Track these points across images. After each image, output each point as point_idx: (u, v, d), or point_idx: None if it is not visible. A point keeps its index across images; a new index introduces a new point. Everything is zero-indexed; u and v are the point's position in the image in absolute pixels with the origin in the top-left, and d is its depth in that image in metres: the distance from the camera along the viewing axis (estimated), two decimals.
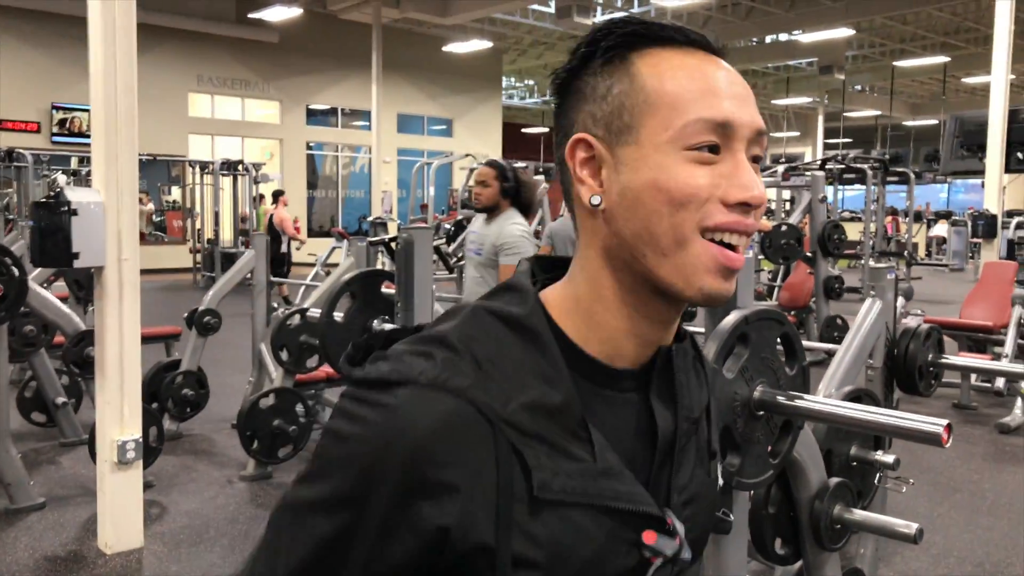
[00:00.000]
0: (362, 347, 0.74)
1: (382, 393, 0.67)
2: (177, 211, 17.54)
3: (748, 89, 0.72)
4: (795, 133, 30.26)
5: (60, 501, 4.01)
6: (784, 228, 7.90)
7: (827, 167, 11.48)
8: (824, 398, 1.63)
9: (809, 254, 7.88)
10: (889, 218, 16.26)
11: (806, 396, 1.65)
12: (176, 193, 17.85)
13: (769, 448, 1.72)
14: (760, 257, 8.54)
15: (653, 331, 0.74)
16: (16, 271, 3.64)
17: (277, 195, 12.31)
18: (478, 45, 18.04)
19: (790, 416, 1.67)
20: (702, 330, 1.92)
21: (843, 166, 12.20)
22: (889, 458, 2.47)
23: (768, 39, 20.72)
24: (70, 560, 3.39)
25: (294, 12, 15.52)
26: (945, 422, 1.46)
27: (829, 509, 2.08)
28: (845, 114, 25.28)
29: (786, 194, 14.63)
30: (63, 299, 5.28)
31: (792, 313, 8.50)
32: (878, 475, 2.51)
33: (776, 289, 9.42)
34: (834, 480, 2.12)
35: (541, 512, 0.67)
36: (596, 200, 0.72)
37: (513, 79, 26.79)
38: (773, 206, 15.41)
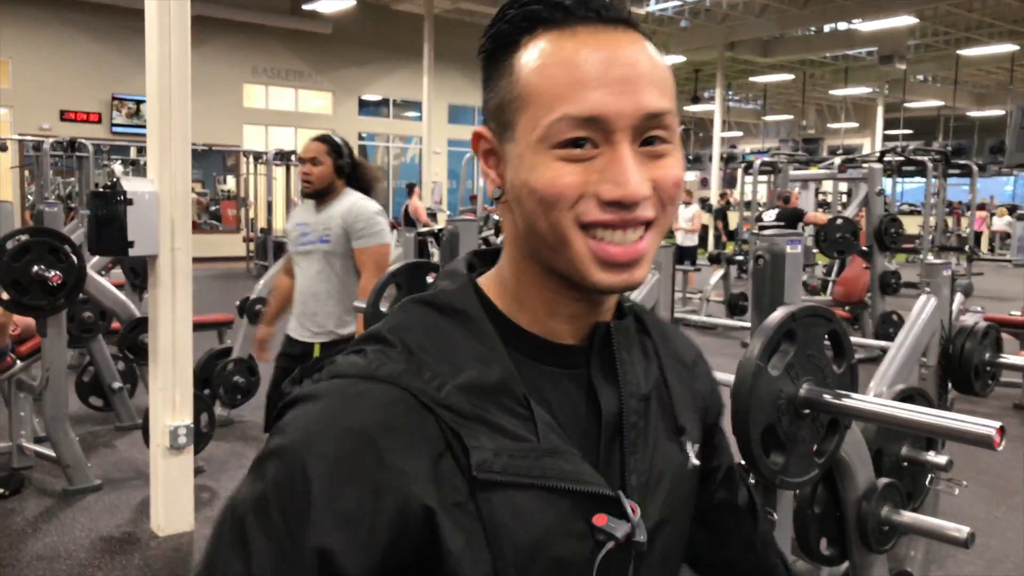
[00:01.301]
0: (309, 368, 0.71)
1: (303, 390, 0.67)
2: (232, 200, 17.85)
3: (638, 66, 0.66)
4: (854, 124, 29.62)
5: (115, 483, 4.12)
6: (839, 221, 7.75)
7: (885, 159, 11.23)
8: (872, 397, 1.59)
9: (865, 248, 7.73)
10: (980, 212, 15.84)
11: (853, 395, 1.61)
12: (231, 183, 18.15)
13: (815, 447, 1.69)
14: (815, 251, 8.41)
15: (580, 310, 0.72)
16: (75, 259, 3.74)
17: (411, 187, 13.09)
18: None
19: (836, 415, 1.63)
20: (747, 324, 1.89)
21: (902, 158, 11.90)
22: (942, 459, 2.40)
23: (827, 28, 20.28)
24: (124, 541, 3.48)
25: (347, 3, 15.63)
26: (998, 424, 1.41)
27: (877, 510, 2.03)
28: (906, 105, 24.67)
29: (843, 186, 14.34)
30: (119, 286, 5.41)
31: (847, 308, 8.35)
32: (930, 476, 2.45)
33: (831, 283, 9.26)
34: (883, 481, 2.07)
35: (483, 493, 0.64)
36: (497, 193, 0.72)
37: None
38: (829, 199, 15.14)
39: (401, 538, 0.62)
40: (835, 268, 9.33)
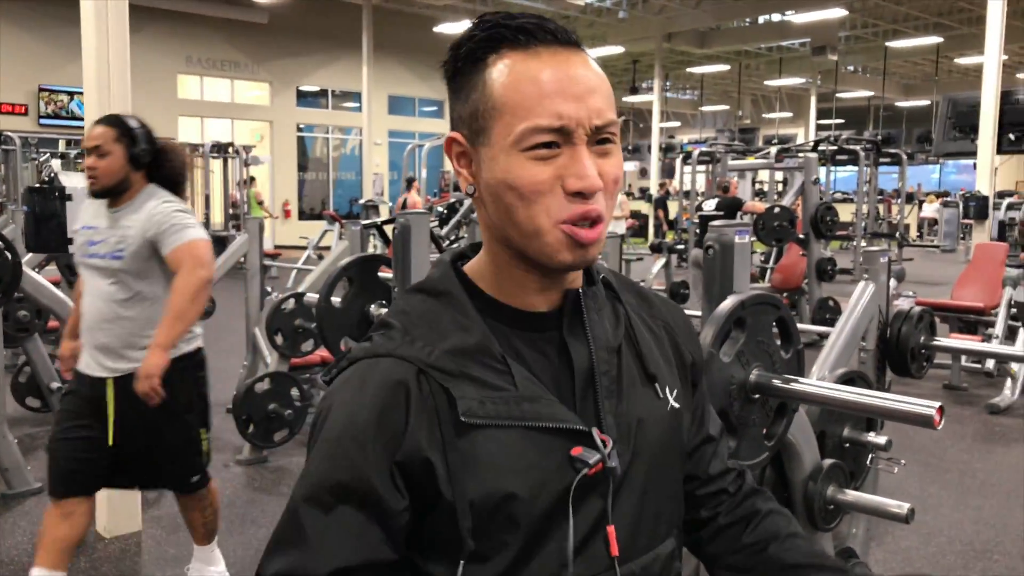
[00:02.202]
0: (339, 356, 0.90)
1: (339, 378, 0.84)
2: None
3: (590, 81, 0.80)
4: (788, 114, 30.24)
5: None
6: (777, 210, 7.92)
7: (820, 149, 11.50)
8: (818, 381, 1.65)
9: (802, 236, 7.92)
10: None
11: (801, 379, 1.67)
12: None
13: (764, 431, 1.74)
14: (753, 239, 8.60)
15: (548, 283, 0.86)
16: (9, 255, 3.63)
17: (410, 181, 13.00)
18: (469, 25, 17.94)
19: (785, 399, 1.69)
20: (698, 313, 1.94)
21: (836, 147, 12.22)
22: (881, 439, 2.49)
23: (761, 19, 20.67)
24: None
25: None
26: (937, 404, 1.48)
27: (823, 490, 2.11)
28: (838, 95, 25.26)
29: (779, 175, 14.65)
30: (55, 283, 5.26)
31: (785, 295, 8.55)
32: (871, 456, 2.54)
33: (769, 271, 9.47)
34: (828, 461, 2.14)
35: (470, 434, 0.79)
36: (471, 190, 0.84)
37: None
38: (766, 188, 15.45)
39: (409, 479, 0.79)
40: (773, 256, 9.53)
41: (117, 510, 3.46)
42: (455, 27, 17.93)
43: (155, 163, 2.62)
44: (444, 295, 0.85)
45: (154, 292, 2.56)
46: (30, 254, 5.39)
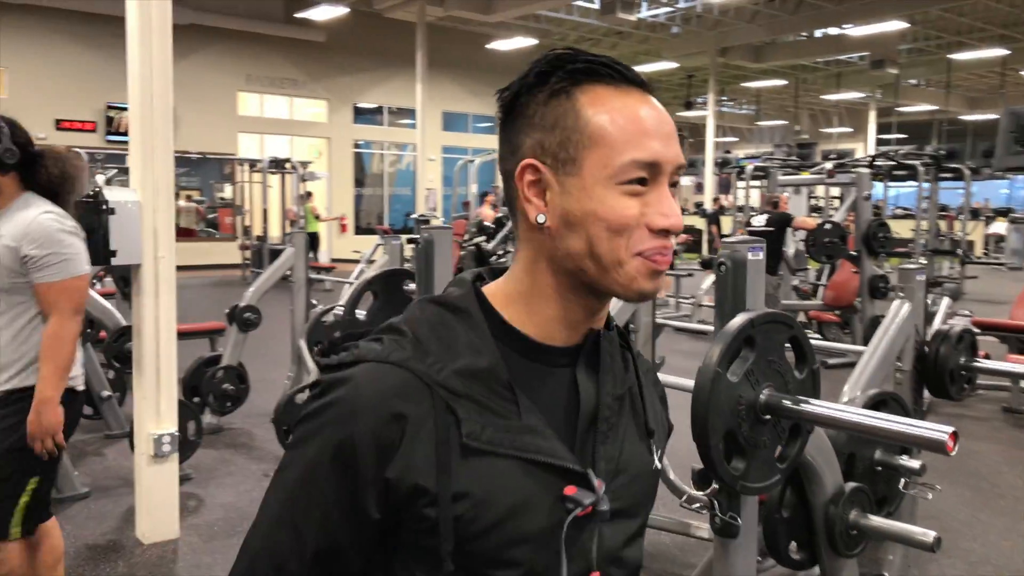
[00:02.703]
0: (335, 343, 0.88)
1: (342, 373, 0.81)
2: (228, 208, 17.86)
3: (672, 127, 0.84)
4: (847, 129, 29.70)
5: (103, 491, 4.13)
6: (828, 226, 7.78)
7: (876, 163, 11.25)
8: (830, 403, 1.61)
9: (854, 252, 7.75)
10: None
11: (812, 401, 1.63)
12: (229, 191, 18.17)
13: (777, 453, 1.71)
14: (805, 255, 8.43)
15: (583, 319, 0.86)
16: None
17: (484, 195, 12.96)
18: (522, 42, 18.04)
19: (796, 420, 1.65)
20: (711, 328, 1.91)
21: (893, 163, 11.95)
22: (915, 463, 2.43)
23: (818, 33, 20.35)
24: (109, 549, 3.49)
25: (340, 11, 15.68)
26: (950, 429, 1.43)
27: (844, 514, 2.06)
28: (899, 109, 24.73)
29: (836, 191, 14.36)
30: (110, 295, 5.43)
31: (837, 312, 8.37)
32: (904, 480, 2.46)
33: (821, 288, 9.28)
34: (850, 485, 2.09)
35: (471, 458, 0.79)
36: (542, 219, 0.83)
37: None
38: (821, 203, 15.17)
39: (389, 503, 0.79)
40: (826, 272, 9.34)
41: (156, 516, 3.54)
42: (508, 44, 18.07)
43: (30, 168, 2.36)
44: (461, 312, 0.85)
45: (19, 310, 2.32)
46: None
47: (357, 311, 3.46)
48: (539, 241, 0.84)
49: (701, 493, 1.77)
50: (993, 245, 20.11)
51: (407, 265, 4.57)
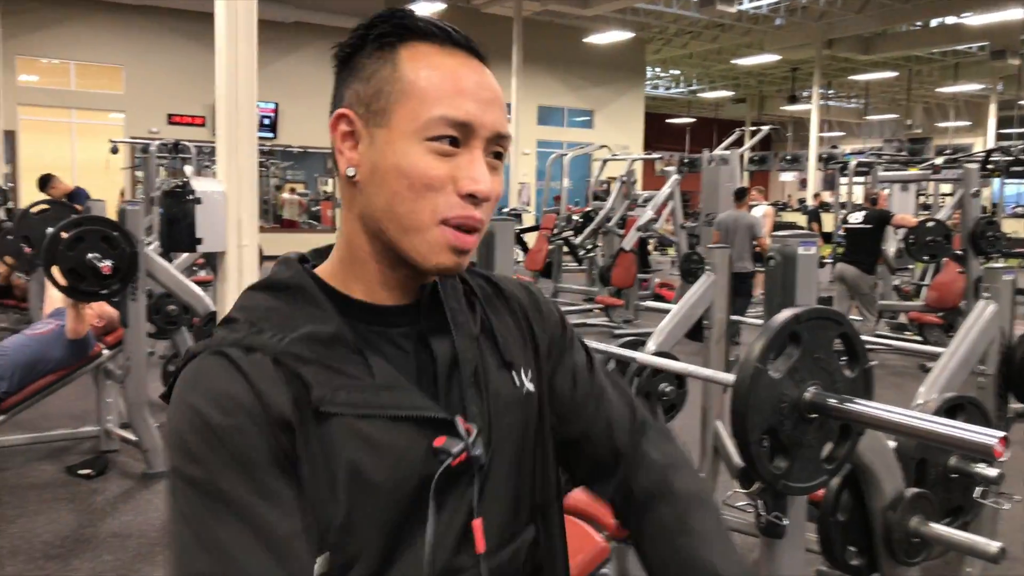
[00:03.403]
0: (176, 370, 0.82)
1: (179, 378, 0.77)
2: (329, 201, 18.37)
3: (497, 94, 0.82)
4: (964, 123, 28.30)
5: None
6: (930, 224, 7.45)
7: (992, 159, 10.69)
8: (875, 403, 1.55)
9: (959, 252, 7.40)
10: None
11: (859, 400, 1.58)
12: (332, 184, 18.67)
13: (824, 453, 1.66)
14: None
15: (409, 279, 0.84)
16: (128, 247, 3.95)
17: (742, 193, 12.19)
18: (619, 36, 17.89)
19: (841, 420, 1.60)
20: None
21: (1011, 158, 11.33)
22: (992, 472, 2.31)
23: (933, 23, 19.44)
24: None
25: (438, 7, 15.89)
26: (1001, 434, 1.36)
27: (904, 521, 1.98)
28: (1022, 102, 23.39)
29: (947, 188, 13.71)
30: (206, 283, 5.68)
31: (940, 314, 8.00)
32: (980, 489, 2.35)
33: (924, 288, 8.89)
34: (911, 491, 2.01)
35: (326, 423, 0.75)
36: (351, 172, 0.81)
37: (658, 69, 26.38)
38: (929, 200, 14.52)
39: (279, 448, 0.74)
40: (929, 272, 8.95)
41: None
42: (605, 38, 17.96)
43: None
44: (293, 290, 0.81)
45: None
46: (184, 255, 5.85)
47: None
48: (351, 196, 0.82)
49: (745, 491, 1.74)
50: None
51: None
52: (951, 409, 2.43)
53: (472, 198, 0.78)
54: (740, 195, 8.00)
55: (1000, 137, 25.80)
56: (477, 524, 0.81)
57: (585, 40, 18.48)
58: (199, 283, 5.50)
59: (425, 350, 0.84)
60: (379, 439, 0.76)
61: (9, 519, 3.62)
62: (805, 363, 1.60)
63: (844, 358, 1.67)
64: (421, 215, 0.78)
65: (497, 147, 0.81)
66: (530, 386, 0.90)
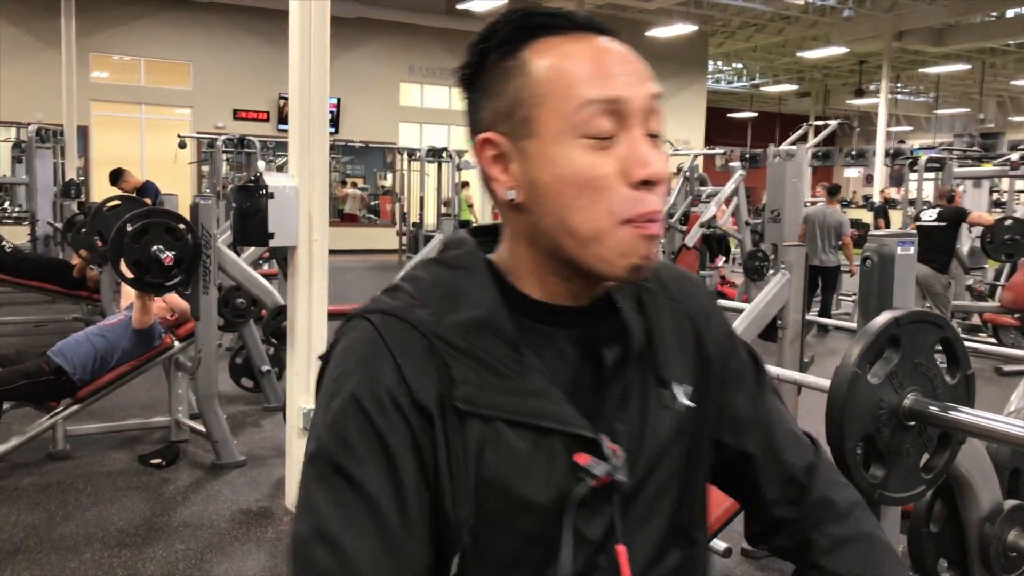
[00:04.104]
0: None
1: (347, 331, 0.77)
2: (389, 196, 18.51)
3: (638, 63, 0.74)
4: None
5: (258, 460, 4.38)
6: (1008, 222, 7.20)
7: None
8: (983, 411, 1.48)
9: None
10: None
11: (963, 408, 1.50)
12: (391, 179, 18.82)
13: (922, 462, 1.59)
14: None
15: (584, 288, 0.78)
16: (190, 239, 4.01)
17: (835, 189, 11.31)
18: (682, 29, 17.66)
19: (944, 428, 1.53)
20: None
21: None
22: None
23: (1010, 13, 18.76)
24: (260, 515, 3.70)
25: (500, 1, 15.88)
26: None
27: (1002, 534, 1.89)
28: None
29: (1021, 185, 13.24)
30: (272, 276, 5.75)
31: (1016, 316, 7.73)
32: None
33: (999, 289, 8.60)
34: (1011, 503, 1.92)
35: (469, 423, 0.71)
36: (511, 195, 0.75)
37: (720, 62, 26.00)
38: (1003, 197, 14.03)
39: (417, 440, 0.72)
40: (1005, 272, 8.65)
41: None
42: (668, 31, 17.74)
43: None
44: (463, 270, 0.77)
45: None
46: (251, 249, 5.93)
47: None
48: (515, 220, 0.77)
49: None
50: None
51: None
52: None
53: (646, 184, 0.71)
54: (833, 192, 8.08)
55: None
56: (621, 550, 0.75)
57: (647, 34, 18.29)
58: (264, 277, 5.57)
59: (587, 358, 0.78)
60: (517, 447, 0.71)
61: (85, 506, 3.71)
62: (904, 368, 1.53)
63: (943, 363, 1.60)
64: (599, 220, 0.71)
65: (652, 122, 0.73)
66: (688, 402, 0.82)
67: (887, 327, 1.50)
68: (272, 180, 3.43)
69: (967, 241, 8.13)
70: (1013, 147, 17.33)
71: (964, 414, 1.49)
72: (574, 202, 0.71)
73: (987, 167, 10.37)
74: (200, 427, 4.38)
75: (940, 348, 1.59)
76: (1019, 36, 20.00)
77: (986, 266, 9.24)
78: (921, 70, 24.06)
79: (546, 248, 0.75)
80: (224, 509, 3.75)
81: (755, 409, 0.91)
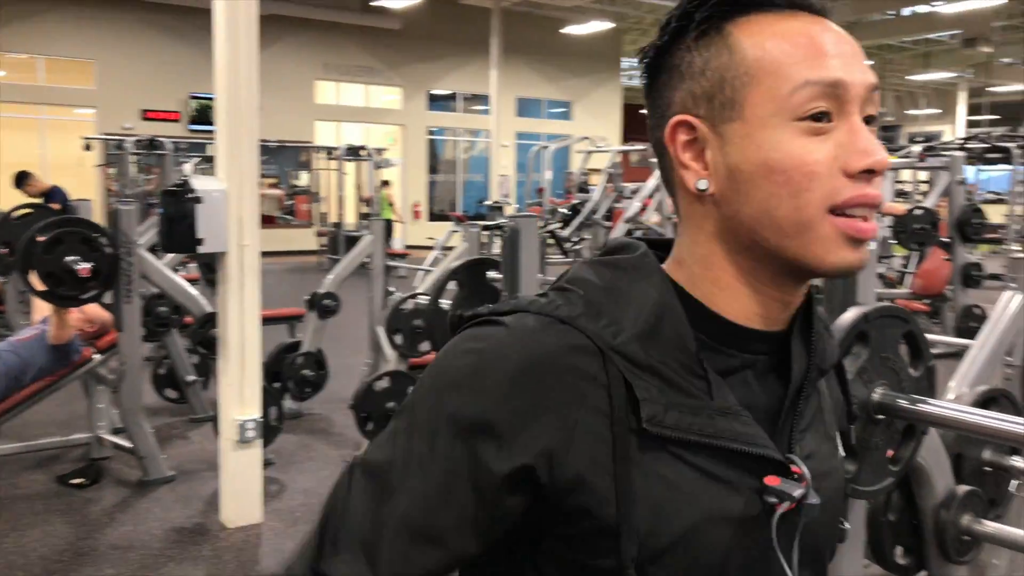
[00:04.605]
0: (468, 315, 0.73)
1: (492, 324, 0.68)
2: (305, 195, 18.17)
3: (856, 46, 0.67)
4: (935, 111, 28.59)
5: (188, 475, 4.22)
6: (918, 212, 7.48)
7: (968, 146, 10.80)
8: (952, 403, 1.50)
9: (946, 239, 7.44)
10: None
11: (931, 400, 1.53)
12: (305, 178, 18.47)
13: (890, 454, 1.61)
14: (892, 242, 8.12)
15: (777, 307, 0.71)
16: (109, 249, 3.82)
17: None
18: (597, 26, 17.84)
19: (913, 421, 1.55)
20: None
21: (986, 145, 11.48)
22: None
23: (906, 11, 19.58)
24: (195, 532, 3.56)
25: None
26: None
27: (956, 519, 1.93)
28: (991, 89, 23.69)
29: (922, 175, 13.83)
30: (193, 281, 5.54)
31: (925, 302, 8.05)
32: (1015, 482, 2.32)
33: (909, 276, 8.95)
34: (963, 488, 1.97)
35: (652, 448, 0.64)
36: (703, 184, 0.68)
37: (634, 60, 26.36)
38: (908, 188, 14.63)
39: (537, 488, 0.65)
40: (914, 260, 9.01)
41: (240, 501, 3.59)
42: (583, 28, 17.89)
43: None
44: (640, 273, 0.69)
45: None
46: (170, 255, 5.70)
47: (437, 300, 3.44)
48: (703, 214, 0.69)
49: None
50: None
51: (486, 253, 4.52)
52: (986, 402, 2.39)
53: (868, 173, 0.64)
54: None
55: (970, 124, 26.11)
56: None
57: (563, 31, 18.41)
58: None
59: (769, 383, 0.71)
60: (700, 467, 0.65)
61: (2, 533, 3.50)
62: (872, 363, 1.54)
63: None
64: (807, 210, 0.64)
65: (870, 107, 0.67)
66: (841, 452, 0.80)
67: (857, 323, 1.51)
68: (200, 184, 3.30)
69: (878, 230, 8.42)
70: (912, 139, 18.09)
71: (932, 406, 1.51)
72: (780, 191, 0.65)
73: (893, 159, 10.77)
74: (124, 443, 4.19)
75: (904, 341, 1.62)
76: (915, 33, 20.90)
77: (894, 254, 9.60)
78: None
79: (743, 244, 0.68)
80: (155, 528, 3.59)
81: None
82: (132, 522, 3.65)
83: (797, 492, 0.66)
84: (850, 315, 1.53)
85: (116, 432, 4.43)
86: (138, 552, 3.36)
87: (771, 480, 0.67)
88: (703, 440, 0.65)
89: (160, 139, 12.16)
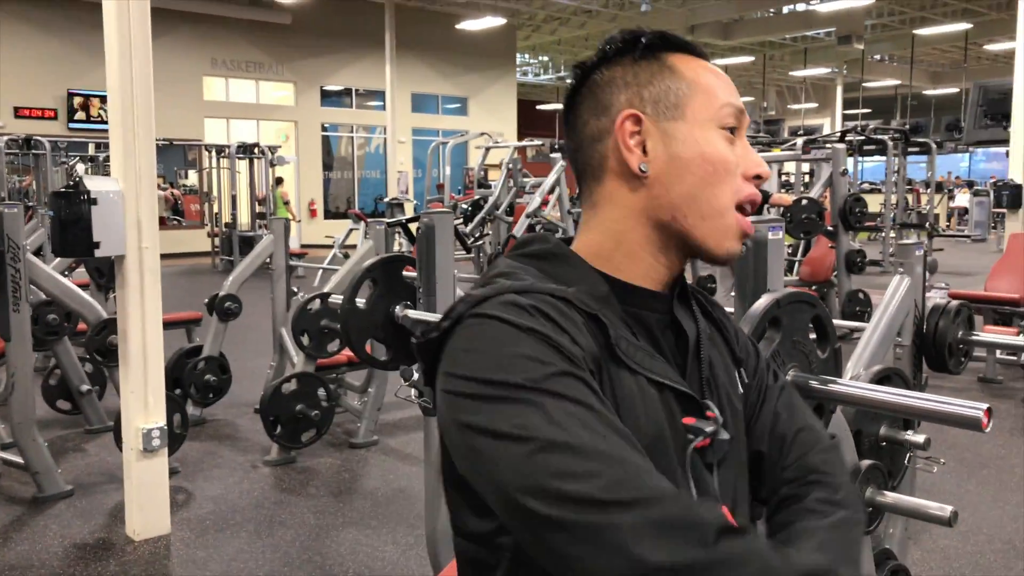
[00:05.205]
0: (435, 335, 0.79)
1: (477, 316, 0.76)
2: (194, 195, 17.58)
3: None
4: (813, 105, 29.89)
5: (87, 488, 4.04)
6: (805, 202, 7.81)
7: (847, 139, 11.34)
8: (856, 381, 1.59)
9: (831, 228, 7.80)
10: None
11: (839, 380, 1.62)
12: (193, 177, 17.88)
13: None
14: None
15: (666, 273, 0.89)
16: None
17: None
18: (492, 22, 17.90)
19: (824, 400, 1.64)
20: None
21: (863, 137, 12.08)
22: (920, 438, 2.42)
23: (785, 9, 20.41)
24: (99, 547, 3.42)
25: None
26: (984, 406, 1.42)
27: (860, 492, 2.05)
28: (864, 84, 24.92)
29: (806, 167, 14.45)
30: (84, 287, 5.30)
31: (813, 288, 8.44)
32: (908, 455, 2.47)
33: (797, 264, 9.35)
34: (866, 462, 2.09)
35: (614, 365, 0.79)
36: (644, 167, 0.86)
37: (527, 56, 26.57)
38: (792, 179, 15.27)
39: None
40: (800, 249, 9.42)
41: (147, 512, 3.47)
42: (477, 24, 17.91)
43: None
44: (559, 257, 0.86)
45: None
46: (58, 259, 5.44)
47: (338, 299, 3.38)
48: (631, 194, 0.87)
49: None
50: (957, 218, 20.42)
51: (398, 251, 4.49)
52: (881, 380, 2.54)
53: (757, 179, 0.87)
54: None
55: (846, 118, 27.43)
56: (724, 510, 0.75)
57: (457, 27, 18.40)
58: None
59: (671, 335, 0.89)
60: (645, 398, 0.79)
61: None
62: (784, 347, 1.62)
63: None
64: (722, 199, 0.85)
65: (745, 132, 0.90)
66: (745, 379, 0.97)
67: (770, 309, 1.59)
68: (95, 185, 3.16)
69: None
70: (793, 132, 18.87)
71: (841, 386, 1.61)
72: (708, 178, 0.84)
73: (777, 152, 11.22)
74: (15, 458, 3.97)
75: (811, 325, 1.70)
76: (794, 30, 21.80)
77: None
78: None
79: (662, 221, 0.86)
80: (54, 546, 3.43)
81: (773, 415, 0.98)
82: (28, 541, 3.47)
83: (709, 428, 0.82)
84: (763, 301, 1.60)
85: (5, 448, 4.20)
86: (37, 571, 3.20)
87: (688, 420, 0.82)
88: (645, 372, 0.80)
89: (37, 138, 11.58)
